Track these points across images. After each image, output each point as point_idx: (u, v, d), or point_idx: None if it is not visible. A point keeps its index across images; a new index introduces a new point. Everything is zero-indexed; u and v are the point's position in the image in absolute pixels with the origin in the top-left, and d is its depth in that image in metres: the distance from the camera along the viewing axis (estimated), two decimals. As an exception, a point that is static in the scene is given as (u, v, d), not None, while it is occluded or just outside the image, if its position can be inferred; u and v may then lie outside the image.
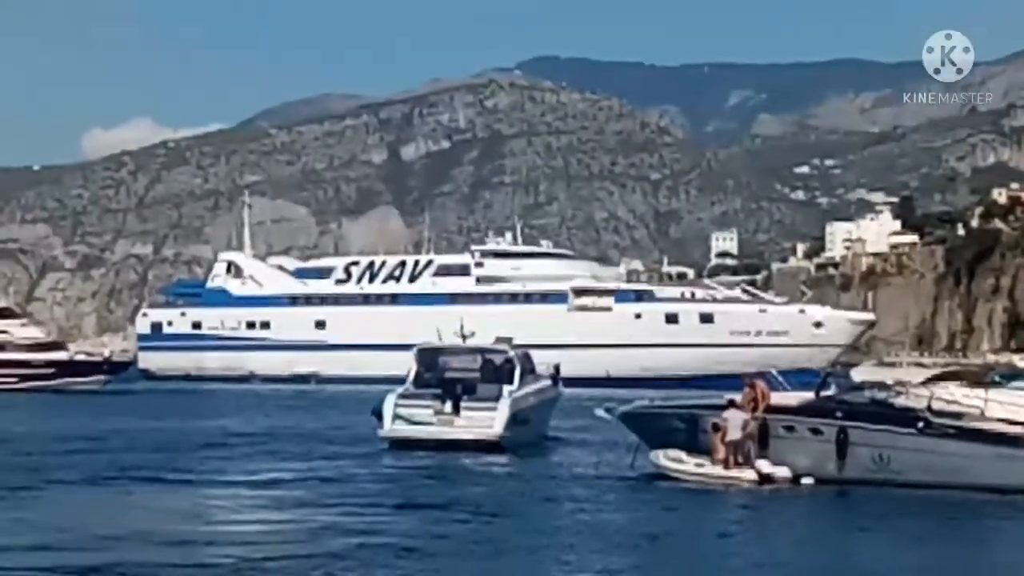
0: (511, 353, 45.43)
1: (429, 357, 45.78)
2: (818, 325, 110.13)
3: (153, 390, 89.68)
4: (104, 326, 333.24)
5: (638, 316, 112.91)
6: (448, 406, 42.33)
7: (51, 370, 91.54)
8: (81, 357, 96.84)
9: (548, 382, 48.29)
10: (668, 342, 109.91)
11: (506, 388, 43.00)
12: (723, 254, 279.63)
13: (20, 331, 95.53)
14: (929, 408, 31.10)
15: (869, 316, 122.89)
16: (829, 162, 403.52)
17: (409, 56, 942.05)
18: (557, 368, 50.46)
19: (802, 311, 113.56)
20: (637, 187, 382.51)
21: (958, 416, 31.16)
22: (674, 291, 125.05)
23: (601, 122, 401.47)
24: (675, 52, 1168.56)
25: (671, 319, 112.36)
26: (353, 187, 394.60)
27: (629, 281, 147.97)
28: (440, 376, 44.60)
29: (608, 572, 20.68)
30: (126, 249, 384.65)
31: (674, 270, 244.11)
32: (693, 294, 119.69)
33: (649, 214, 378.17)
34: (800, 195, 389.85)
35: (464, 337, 46.90)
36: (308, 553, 22.07)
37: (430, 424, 42.25)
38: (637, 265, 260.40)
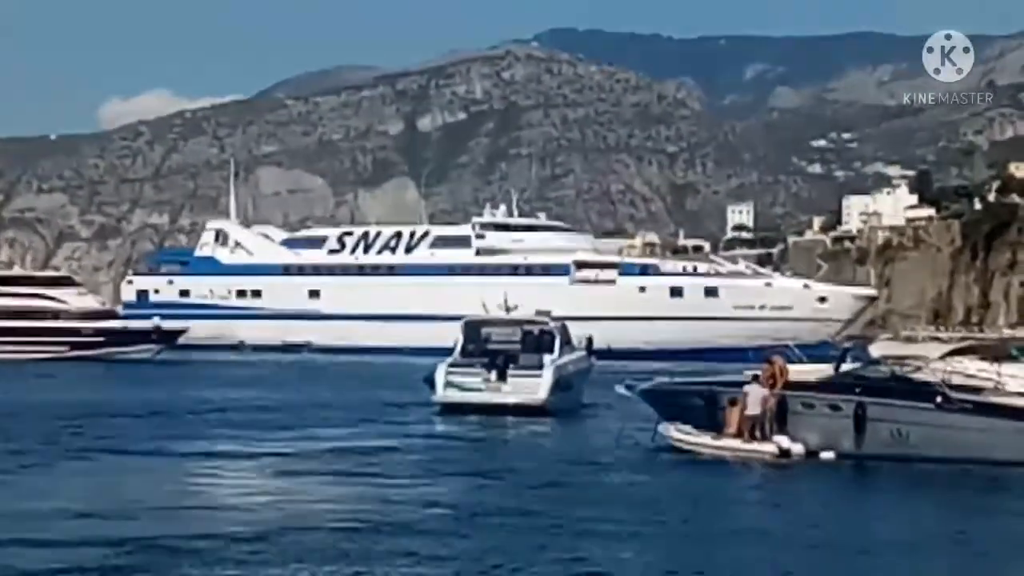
0: (551, 325, 48.71)
1: (474, 329, 48.91)
2: (822, 300, 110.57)
3: (198, 360, 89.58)
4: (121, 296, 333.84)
5: (642, 289, 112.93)
6: (494, 374, 45.27)
7: (101, 339, 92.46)
8: (134, 326, 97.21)
9: (583, 352, 51.12)
10: (672, 315, 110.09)
11: (547, 357, 46.11)
12: (739, 227, 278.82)
13: (75, 300, 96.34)
14: (947, 383, 31.21)
15: (871, 291, 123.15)
16: (846, 135, 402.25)
17: (426, 27, 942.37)
18: (590, 340, 52.91)
19: (806, 286, 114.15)
20: (654, 159, 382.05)
21: (976, 391, 31.26)
22: (677, 265, 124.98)
23: (618, 94, 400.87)
24: (692, 24, 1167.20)
25: (676, 292, 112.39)
26: (369, 158, 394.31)
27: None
28: (483, 346, 47.86)
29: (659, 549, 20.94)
30: (142, 219, 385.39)
31: (690, 243, 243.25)
32: (695, 268, 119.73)
33: (665, 187, 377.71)
34: (817, 168, 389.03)
35: (508, 310, 50.09)
36: (368, 522, 22.50)
37: (479, 390, 45.30)
38: (653, 238, 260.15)
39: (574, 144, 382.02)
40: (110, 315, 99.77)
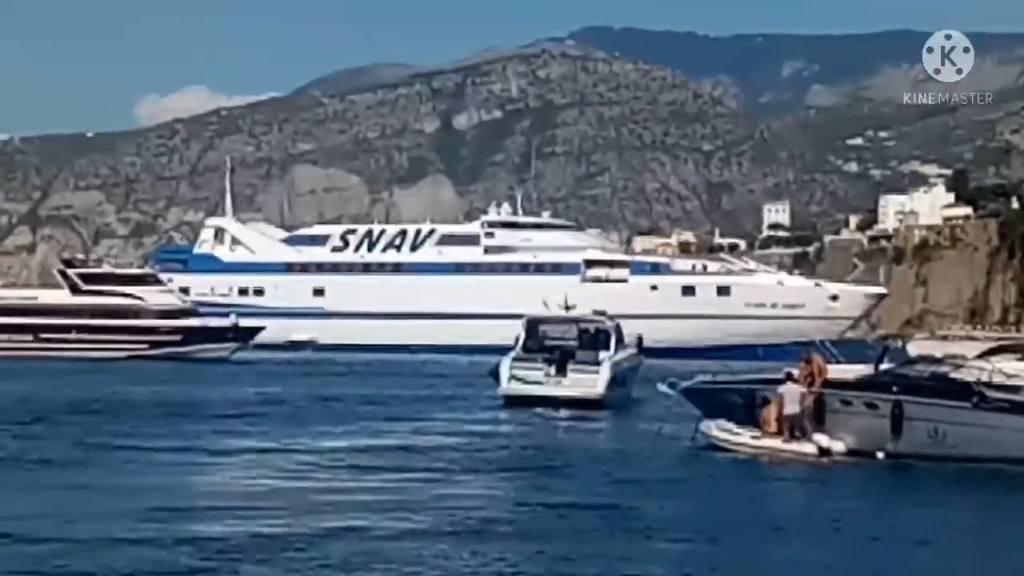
0: (607, 324, 51.54)
1: (533, 326, 51.82)
2: (834, 298, 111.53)
3: (272, 360, 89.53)
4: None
5: (654, 288, 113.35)
6: (554, 368, 47.81)
7: (179, 337, 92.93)
8: (212, 324, 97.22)
9: (635, 350, 54.16)
10: (685, 313, 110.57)
11: (604, 353, 48.75)
12: (775, 226, 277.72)
13: (155, 297, 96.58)
14: (984, 382, 31.17)
15: (881, 289, 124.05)
16: (883, 134, 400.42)
17: (461, 26, 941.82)
18: (640, 338, 56.18)
19: (818, 284, 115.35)
20: (689, 158, 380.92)
21: (1014, 390, 31.23)
22: (688, 263, 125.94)
23: (654, 92, 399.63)
24: (728, 22, 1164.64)
25: (688, 291, 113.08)
26: (405, 156, 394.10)
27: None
28: (542, 342, 50.69)
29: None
30: (179, 216, 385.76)
31: (726, 241, 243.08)
32: (705, 267, 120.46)
33: (701, 185, 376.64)
34: (853, 167, 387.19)
35: (568, 308, 53.17)
36: (435, 520, 22.54)
37: (541, 384, 47.84)
38: (689, 236, 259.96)
39: (609, 142, 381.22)
40: (190, 313, 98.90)
